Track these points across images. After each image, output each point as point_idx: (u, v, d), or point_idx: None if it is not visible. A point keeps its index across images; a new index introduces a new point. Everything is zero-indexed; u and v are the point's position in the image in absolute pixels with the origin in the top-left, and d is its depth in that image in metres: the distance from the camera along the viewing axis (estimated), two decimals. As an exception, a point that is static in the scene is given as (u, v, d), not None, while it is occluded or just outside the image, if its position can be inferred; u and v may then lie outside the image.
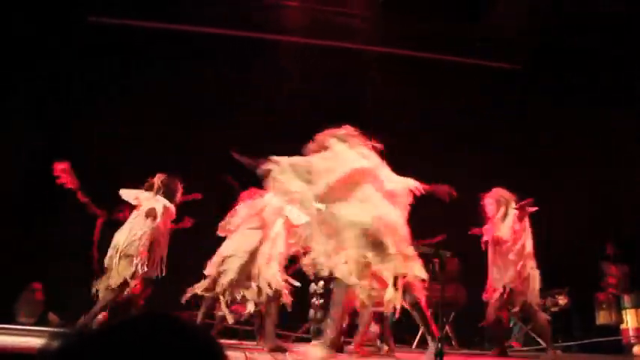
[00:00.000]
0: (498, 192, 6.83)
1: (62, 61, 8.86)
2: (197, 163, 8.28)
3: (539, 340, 7.80)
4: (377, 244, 4.55)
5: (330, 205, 4.67)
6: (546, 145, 9.76)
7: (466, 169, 8.71)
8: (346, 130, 5.10)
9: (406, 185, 5.06)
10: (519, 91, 9.82)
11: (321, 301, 6.36)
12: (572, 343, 8.59)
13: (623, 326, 8.49)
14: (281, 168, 4.81)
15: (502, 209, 6.71)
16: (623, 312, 8.53)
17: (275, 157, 4.85)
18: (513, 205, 6.68)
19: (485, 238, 6.73)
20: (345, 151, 4.94)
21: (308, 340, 6.72)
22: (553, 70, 9.61)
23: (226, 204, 6.38)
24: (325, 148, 5.00)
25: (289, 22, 9.44)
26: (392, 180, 5.00)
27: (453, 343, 8.42)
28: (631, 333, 8.38)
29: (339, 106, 9.61)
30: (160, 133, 8.86)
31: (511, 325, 8.92)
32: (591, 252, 8.96)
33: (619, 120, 9.08)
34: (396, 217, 4.74)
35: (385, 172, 5.00)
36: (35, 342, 4.63)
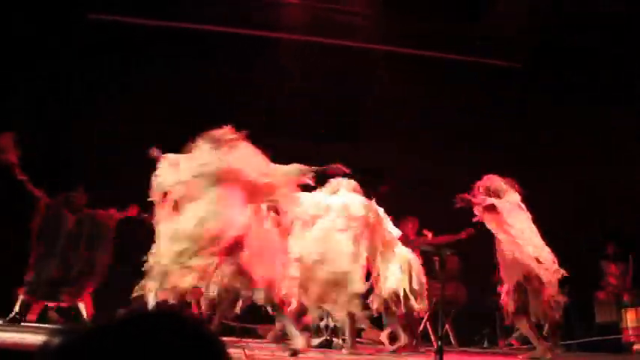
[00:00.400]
0: (490, 180, 6.54)
1: (62, 60, 8.84)
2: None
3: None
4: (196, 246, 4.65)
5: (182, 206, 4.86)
6: (546, 144, 9.75)
7: (466, 167, 8.71)
8: (222, 131, 5.14)
9: (288, 176, 5.07)
10: (519, 90, 9.82)
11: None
12: (572, 342, 8.58)
13: (622, 325, 8.50)
14: (162, 164, 5.00)
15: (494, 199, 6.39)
16: (623, 311, 8.53)
17: (167, 155, 4.97)
18: (509, 195, 6.42)
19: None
20: (204, 153, 5.03)
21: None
22: (553, 68, 9.61)
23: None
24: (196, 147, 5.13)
25: (290, 21, 9.43)
26: (267, 174, 5.03)
27: (453, 341, 8.43)
28: (631, 332, 8.38)
29: (339, 105, 9.62)
30: (160, 131, 8.84)
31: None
32: (591, 250, 8.97)
33: (619, 118, 9.08)
34: (233, 221, 4.80)
35: (259, 168, 5.03)
36: (35, 339, 4.64)
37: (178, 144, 8.73)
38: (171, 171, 5.00)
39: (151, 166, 6.56)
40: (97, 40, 8.88)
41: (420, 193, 8.93)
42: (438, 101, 9.48)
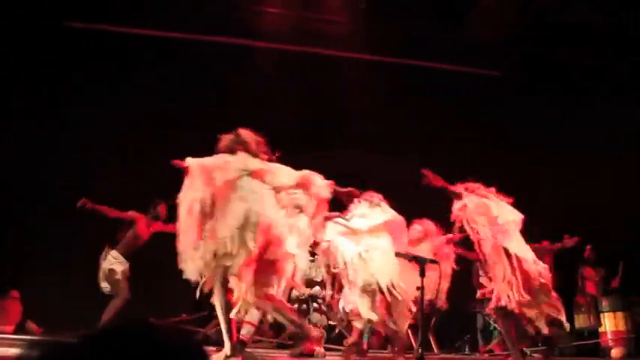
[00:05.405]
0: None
1: (37, 68, 8.70)
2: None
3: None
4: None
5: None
6: (527, 149, 9.83)
7: (444, 172, 8.74)
8: (238, 134, 5.20)
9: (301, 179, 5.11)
10: (498, 97, 9.90)
11: (303, 306, 6.35)
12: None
13: (601, 329, 8.57)
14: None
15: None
16: (602, 315, 8.61)
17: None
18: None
19: None
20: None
21: (289, 347, 6.70)
22: (532, 77, 9.72)
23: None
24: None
25: (268, 28, 9.39)
26: (283, 177, 5.07)
27: (434, 348, 8.43)
28: (609, 336, 8.46)
29: (315, 112, 9.59)
30: (140, 138, 8.79)
31: (491, 329, 8.98)
32: (570, 255, 9.02)
33: (603, 125, 9.18)
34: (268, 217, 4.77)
35: (275, 172, 5.06)
36: (13, 352, 4.57)
37: (157, 150, 8.72)
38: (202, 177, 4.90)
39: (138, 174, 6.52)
40: (74, 48, 8.75)
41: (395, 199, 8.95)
42: (419, 108, 9.51)
